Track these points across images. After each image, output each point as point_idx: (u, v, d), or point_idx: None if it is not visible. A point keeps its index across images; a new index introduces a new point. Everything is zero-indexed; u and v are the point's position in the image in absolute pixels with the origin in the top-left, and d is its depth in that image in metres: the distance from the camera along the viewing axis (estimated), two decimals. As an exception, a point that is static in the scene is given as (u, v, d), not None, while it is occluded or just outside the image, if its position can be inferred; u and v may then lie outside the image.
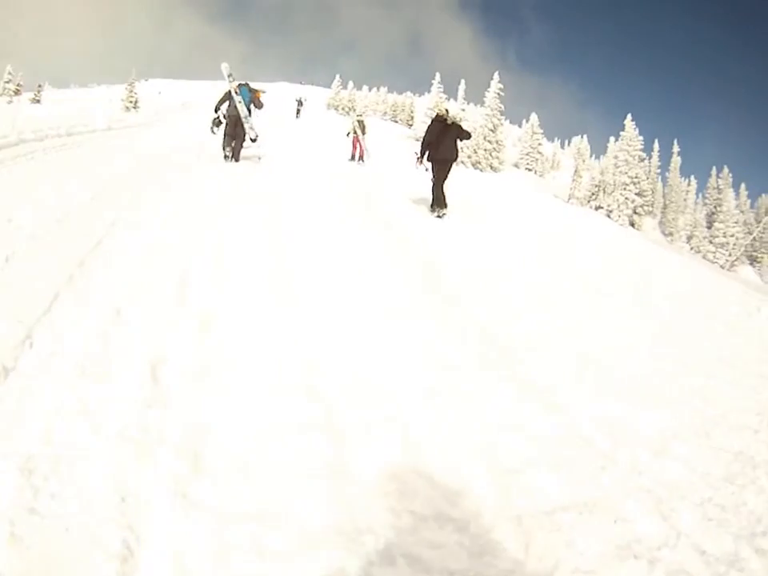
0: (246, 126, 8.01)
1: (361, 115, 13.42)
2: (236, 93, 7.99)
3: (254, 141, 8.28)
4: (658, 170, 32.13)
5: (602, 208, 27.22)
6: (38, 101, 32.11)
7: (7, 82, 38.02)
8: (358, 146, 12.18)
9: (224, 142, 8.17)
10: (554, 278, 4.49)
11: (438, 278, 3.75)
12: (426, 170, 6.88)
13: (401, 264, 3.98)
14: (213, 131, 8.38)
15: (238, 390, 1.87)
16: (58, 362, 1.85)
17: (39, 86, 36.60)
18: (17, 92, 36.78)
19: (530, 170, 33.01)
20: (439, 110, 6.92)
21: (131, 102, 33.98)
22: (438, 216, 6.62)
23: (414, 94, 53.52)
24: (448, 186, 6.83)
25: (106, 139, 10.10)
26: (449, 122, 6.63)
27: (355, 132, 12.16)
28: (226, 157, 8.00)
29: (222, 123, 8.25)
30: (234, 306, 2.57)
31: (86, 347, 1.98)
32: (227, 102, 8.10)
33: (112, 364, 1.89)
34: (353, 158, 12.19)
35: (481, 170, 26.27)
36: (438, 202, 6.69)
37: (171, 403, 1.73)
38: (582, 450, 1.80)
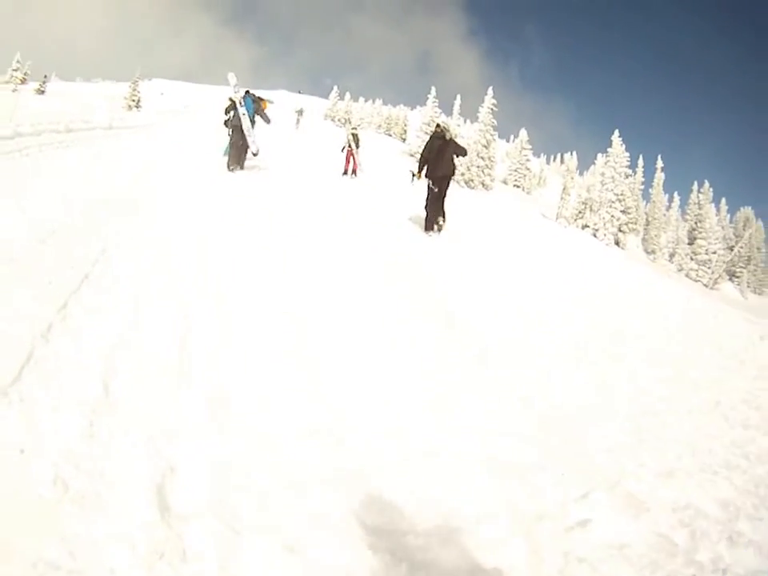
0: (248, 139, 8.07)
1: (355, 128, 13.56)
2: (240, 104, 8.04)
3: (255, 155, 8.32)
4: (642, 186, 33.21)
5: (588, 227, 28.19)
6: (43, 91, 31.93)
7: (15, 70, 37.98)
8: (351, 160, 12.27)
9: (227, 152, 8.36)
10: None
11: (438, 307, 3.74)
12: (428, 185, 6.83)
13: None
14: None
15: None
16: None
17: (45, 76, 36.57)
18: (23, 81, 36.64)
19: (517, 186, 33.85)
20: (438, 126, 6.93)
21: (134, 101, 33.87)
22: (437, 232, 6.62)
23: (407, 107, 54.46)
24: (447, 202, 6.88)
25: (106, 139, 10.01)
26: (447, 137, 6.67)
27: (350, 146, 12.22)
28: (229, 167, 7.96)
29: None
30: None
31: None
32: (232, 112, 8.16)
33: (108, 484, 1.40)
34: (345, 172, 12.14)
35: (472, 188, 26.99)
36: (431, 223, 6.67)
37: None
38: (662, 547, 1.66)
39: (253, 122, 8.21)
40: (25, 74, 38.72)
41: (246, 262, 3.67)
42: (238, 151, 8.10)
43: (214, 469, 1.57)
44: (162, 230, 4.00)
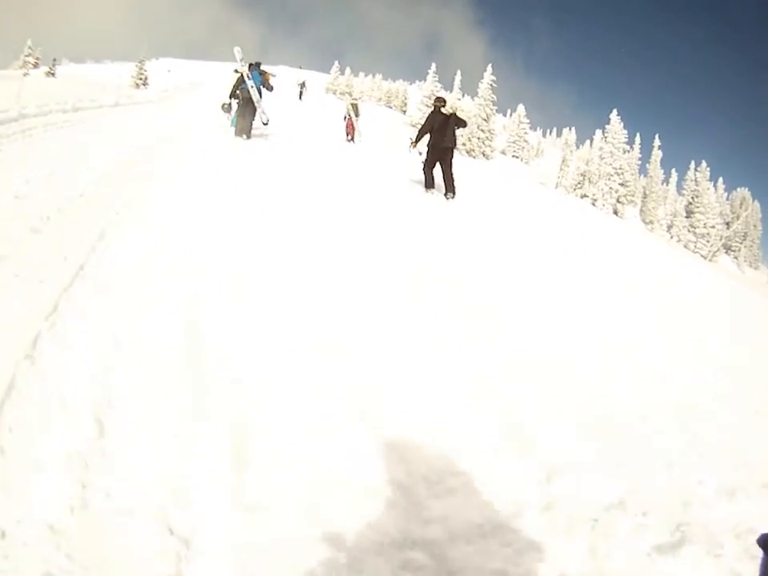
0: (258, 109, 8.58)
1: (355, 99, 14.38)
2: (248, 77, 8.44)
3: (265, 124, 8.93)
4: (639, 162, 33.70)
5: (587, 196, 28.69)
6: (53, 74, 32.52)
7: (27, 56, 38.99)
8: (352, 127, 13.20)
9: (236, 120, 8.84)
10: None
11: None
12: (420, 153, 7.44)
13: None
14: (225, 109, 9.36)
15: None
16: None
17: (54, 60, 37.38)
18: (35, 65, 37.57)
19: (516, 156, 34.49)
20: (438, 99, 7.31)
21: (141, 79, 34.53)
22: (447, 197, 6.99)
23: (406, 82, 55.51)
24: (454, 171, 7.16)
25: (113, 115, 10.10)
26: (448, 112, 7.09)
27: (349, 115, 13.16)
28: (236, 134, 8.53)
29: (231, 107, 9.03)
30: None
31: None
32: (241, 86, 8.53)
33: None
34: (349, 138, 13.17)
35: (474, 157, 27.50)
36: (430, 182, 7.17)
37: None
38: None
39: (260, 92, 8.63)
40: (37, 59, 39.62)
41: (261, 243, 3.39)
42: (245, 121, 8.56)
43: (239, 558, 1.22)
44: (169, 207, 3.78)
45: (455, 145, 7.19)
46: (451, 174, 7.08)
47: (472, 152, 27.80)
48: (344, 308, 2.67)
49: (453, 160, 7.20)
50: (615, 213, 28.94)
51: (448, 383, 2.15)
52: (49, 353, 1.79)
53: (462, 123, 7.18)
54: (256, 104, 8.53)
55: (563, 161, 30.09)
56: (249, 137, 8.63)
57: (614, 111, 30.91)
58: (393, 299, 2.91)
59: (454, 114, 7.12)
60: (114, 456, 1.42)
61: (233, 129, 8.85)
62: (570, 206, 16.92)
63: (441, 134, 6.97)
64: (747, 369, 3.32)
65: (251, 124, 8.69)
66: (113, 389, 1.68)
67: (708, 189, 33.41)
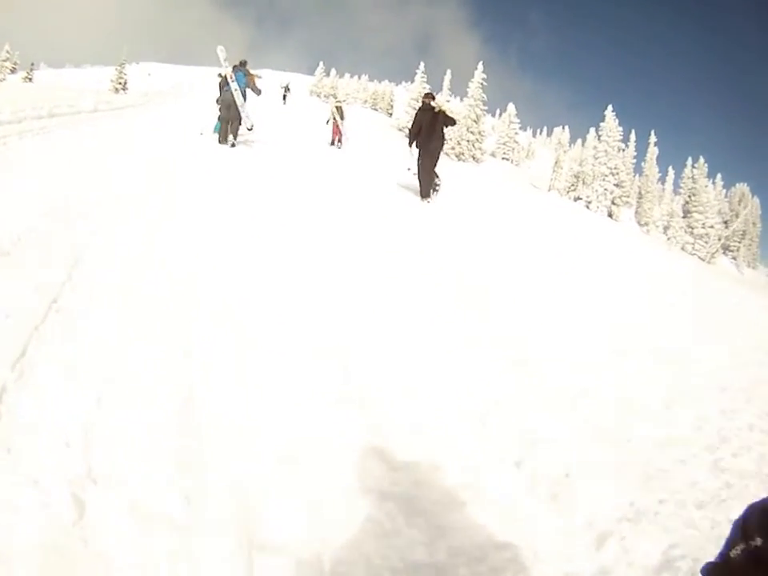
0: (242, 113, 7.95)
1: (340, 102, 13.97)
2: (231, 79, 7.91)
3: (249, 130, 8.30)
4: (634, 160, 32.85)
5: (581, 199, 27.89)
6: (30, 79, 31.62)
7: (5, 60, 37.87)
8: (337, 131, 12.83)
9: (219, 125, 8.24)
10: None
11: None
12: (410, 170, 7.14)
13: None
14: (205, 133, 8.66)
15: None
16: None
17: (32, 64, 36.49)
18: (13, 70, 36.59)
19: (506, 158, 33.56)
20: (426, 96, 7.11)
21: (120, 83, 33.67)
22: (434, 194, 6.94)
23: (392, 83, 54.36)
24: (439, 170, 7.12)
25: (92, 121, 9.50)
26: (436, 110, 6.84)
27: (334, 118, 12.72)
28: (220, 141, 7.98)
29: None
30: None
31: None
32: (225, 88, 8.02)
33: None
34: (332, 142, 12.77)
35: (463, 161, 26.64)
36: (426, 191, 6.92)
37: None
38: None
39: (244, 95, 8.04)
40: (15, 64, 38.67)
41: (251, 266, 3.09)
42: (230, 127, 8.00)
43: None
44: (150, 228, 3.29)
45: (443, 144, 7.05)
46: (433, 174, 6.93)
47: (462, 155, 26.91)
48: (338, 319, 2.60)
49: (438, 159, 7.04)
50: (610, 215, 28.15)
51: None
52: (13, 416, 1.41)
53: (451, 121, 6.96)
54: (240, 108, 7.92)
55: (556, 162, 29.16)
56: (234, 144, 8.04)
57: (609, 107, 30.01)
58: (387, 306, 2.91)
59: (442, 112, 6.90)
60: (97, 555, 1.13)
61: (216, 135, 8.27)
62: (562, 210, 16.64)
63: (429, 133, 6.81)
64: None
65: (237, 130, 8.10)
66: (93, 464, 1.33)
67: (706, 186, 32.55)
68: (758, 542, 0.59)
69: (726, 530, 1.33)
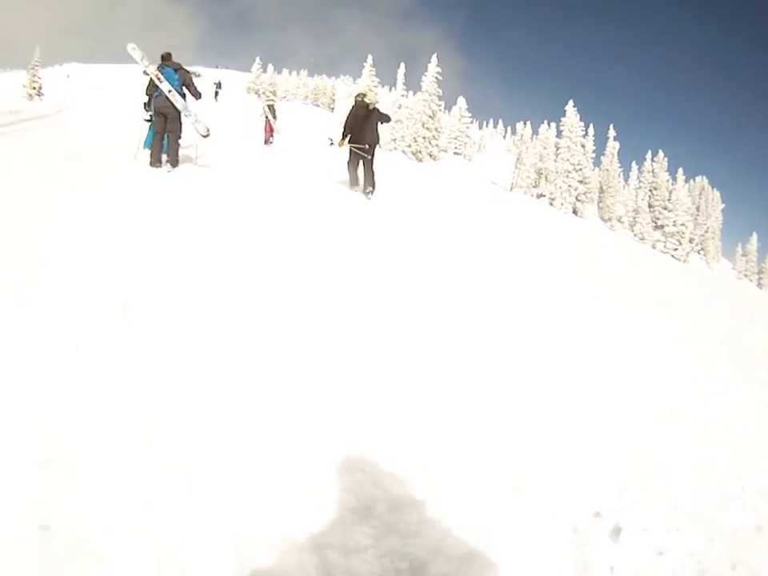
0: (190, 119, 6.05)
1: (271, 100, 14.58)
2: (159, 80, 5.83)
3: (205, 137, 6.29)
4: (593, 155, 32.00)
5: (544, 196, 26.63)
6: None
7: None
8: (269, 128, 12.99)
9: (151, 138, 6.17)
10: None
11: None
12: (350, 149, 7.02)
13: None
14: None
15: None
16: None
17: None
18: None
19: (458, 153, 32.05)
20: (359, 95, 7.06)
21: (34, 88, 30.30)
22: (369, 195, 6.83)
23: (331, 77, 53.25)
24: (376, 168, 6.97)
25: None
26: (370, 107, 6.87)
27: (267, 117, 12.93)
28: (152, 163, 5.84)
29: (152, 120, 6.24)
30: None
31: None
32: (155, 93, 5.96)
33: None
34: (266, 141, 12.84)
35: (420, 160, 24.78)
36: (354, 180, 7.12)
37: None
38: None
39: (182, 95, 5.96)
40: None
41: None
42: (161, 142, 5.99)
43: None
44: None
45: (378, 141, 6.99)
46: (372, 171, 6.88)
47: (419, 153, 25.04)
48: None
49: (374, 158, 7.01)
50: (575, 212, 27.04)
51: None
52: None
53: (385, 118, 7.08)
54: (183, 112, 5.90)
55: (518, 158, 27.79)
56: (174, 165, 5.96)
57: (570, 103, 28.87)
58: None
59: (376, 109, 7.00)
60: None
61: (147, 151, 6.14)
62: (526, 208, 16.55)
63: (361, 130, 6.81)
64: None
65: (177, 150, 6.01)
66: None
67: (667, 180, 32.08)
68: None
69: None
